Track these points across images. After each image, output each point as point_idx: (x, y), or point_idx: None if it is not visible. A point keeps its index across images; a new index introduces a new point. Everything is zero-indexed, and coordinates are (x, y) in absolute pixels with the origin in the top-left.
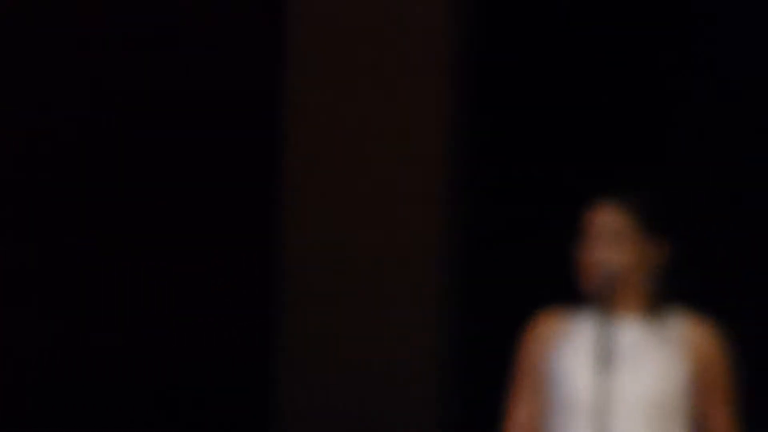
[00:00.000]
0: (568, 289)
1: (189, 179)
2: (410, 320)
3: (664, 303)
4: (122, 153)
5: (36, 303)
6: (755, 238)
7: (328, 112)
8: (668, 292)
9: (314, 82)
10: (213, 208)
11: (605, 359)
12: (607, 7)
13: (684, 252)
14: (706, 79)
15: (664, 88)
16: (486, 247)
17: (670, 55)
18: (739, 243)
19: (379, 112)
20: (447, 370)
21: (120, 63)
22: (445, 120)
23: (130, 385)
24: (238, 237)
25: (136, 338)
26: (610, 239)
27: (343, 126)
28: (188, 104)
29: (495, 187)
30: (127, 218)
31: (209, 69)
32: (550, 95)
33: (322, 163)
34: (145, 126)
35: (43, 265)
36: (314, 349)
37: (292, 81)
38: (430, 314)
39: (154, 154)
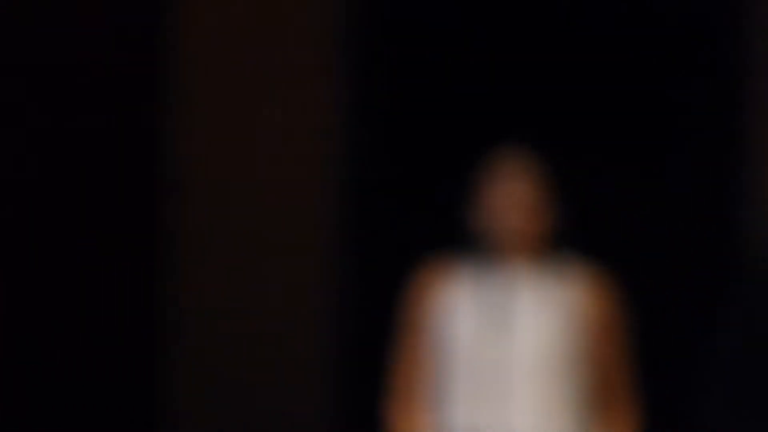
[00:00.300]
0: (452, 241)
1: (71, 160)
2: (300, 277)
3: (557, 253)
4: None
5: None
6: (647, 192)
7: (212, 99)
8: (561, 242)
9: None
10: (95, 190)
11: (499, 312)
12: None
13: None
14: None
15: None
16: (372, 203)
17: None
18: (630, 196)
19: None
20: (334, 334)
21: None
22: (331, 88)
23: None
24: (123, 224)
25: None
26: (520, 201)
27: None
28: (71, 91)
29: (378, 147)
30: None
31: (91, 52)
32: (435, 53)
33: (208, 141)
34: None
35: None
36: (201, 323)
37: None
38: (318, 274)
39: (31, 131)
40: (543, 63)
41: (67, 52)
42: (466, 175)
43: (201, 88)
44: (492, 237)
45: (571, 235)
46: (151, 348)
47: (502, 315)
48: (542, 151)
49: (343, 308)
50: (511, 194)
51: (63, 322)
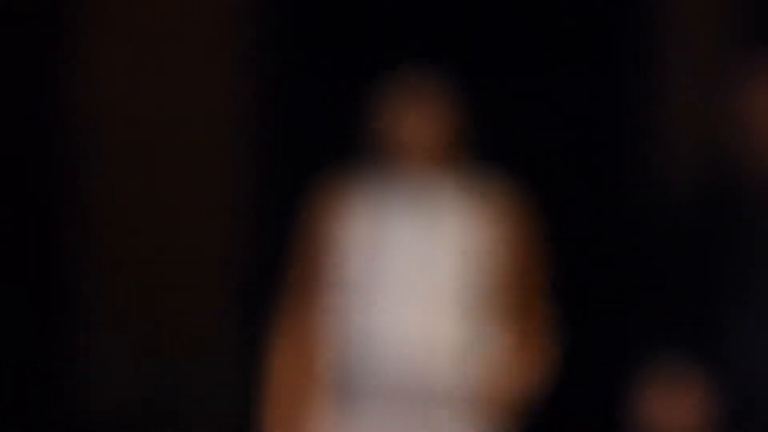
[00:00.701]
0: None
1: None
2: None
3: (466, 166)
4: None
5: None
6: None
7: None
8: (472, 156)
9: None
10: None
11: (416, 226)
12: None
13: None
14: None
15: None
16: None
17: None
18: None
19: None
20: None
21: None
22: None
23: None
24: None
25: None
26: (426, 116)
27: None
28: None
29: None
30: None
31: None
32: None
33: (117, 87)
34: None
35: None
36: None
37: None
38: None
39: None
40: None
41: None
42: (370, 90)
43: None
44: (398, 151)
45: (482, 149)
46: (63, 295)
47: (404, 228)
48: (450, 67)
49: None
50: (417, 109)
51: None
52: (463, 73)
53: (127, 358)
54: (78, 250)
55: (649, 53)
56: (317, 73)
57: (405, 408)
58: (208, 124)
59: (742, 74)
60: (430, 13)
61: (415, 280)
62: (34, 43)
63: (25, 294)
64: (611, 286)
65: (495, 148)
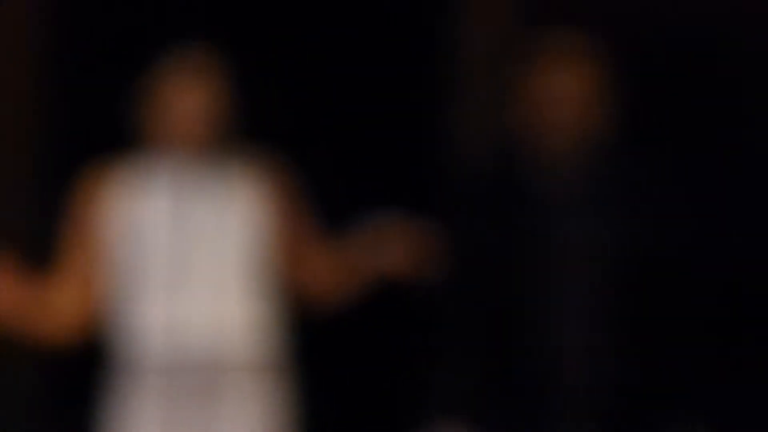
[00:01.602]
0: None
1: None
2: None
3: (232, 147)
4: None
5: None
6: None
7: None
8: (237, 136)
9: None
10: None
11: (175, 208)
12: None
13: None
14: None
15: None
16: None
17: None
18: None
19: None
20: None
21: None
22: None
23: None
24: None
25: None
26: (192, 97)
27: None
28: None
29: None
30: None
31: None
32: None
33: None
34: None
35: None
36: None
37: None
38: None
39: None
40: None
41: None
42: (138, 72)
43: None
44: (168, 134)
45: (249, 129)
46: None
47: (179, 211)
48: (220, 48)
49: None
50: (183, 90)
51: None
52: (233, 52)
53: None
54: None
55: (440, 29)
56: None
57: (190, 387)
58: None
59: (532, 52)
60: None
61: (195, 260)
62: None
63: None
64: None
65: (266, 126)
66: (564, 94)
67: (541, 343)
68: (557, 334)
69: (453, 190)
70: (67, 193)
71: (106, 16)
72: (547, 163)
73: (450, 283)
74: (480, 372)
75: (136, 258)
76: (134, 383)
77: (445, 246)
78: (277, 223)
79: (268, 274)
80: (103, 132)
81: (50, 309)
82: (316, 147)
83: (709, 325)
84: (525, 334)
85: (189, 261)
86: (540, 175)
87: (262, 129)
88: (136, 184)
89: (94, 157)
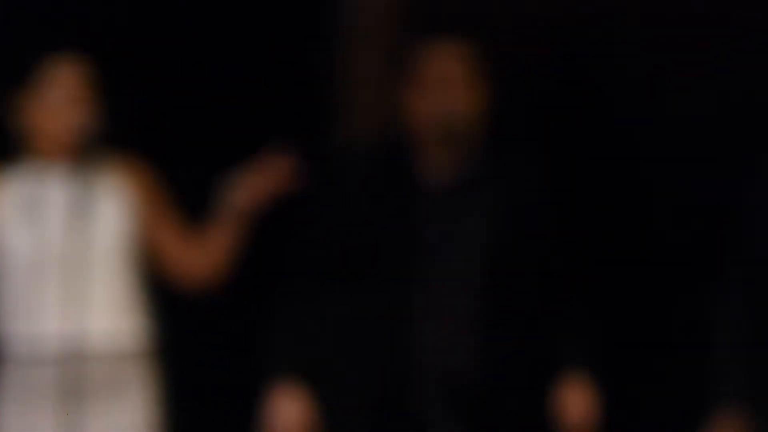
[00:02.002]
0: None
1: None
2: None
3: (92, 151)
4: None
5: None
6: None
7: None
8: (98, 139)
9: None
10: None
11: (37, 217)
12: None
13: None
14: None
15: None
16: None
17: None
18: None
19: None
20: None
21: None
22: None
23: None
24: None
25: None
26: (60, 103)
27: None
28: None
29: None
30: None
31: None
32: None
33: None
34: None
35: None
36: None
37: None
38: None
39: None
40: None
41: None
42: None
43: None
44: (36, 140)
45: (115, 133)
46: None
47: (45, 220)
48: (91, 53)
49: None
50: (56, 97)
51: None
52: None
53: None
54: None
55: (326, 27)
56: None
57: (51, 379)
58: None
59: (411, 52)
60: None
61: (58, 255)
62: None
63: None
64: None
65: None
66: (444, 84)
67: (397, 332)
68: (419, 326)
69: (332, 174)
70: None
71: None
72: (424, 153)
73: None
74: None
75: (3, 257)
76: None
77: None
78: (140, 215)
79: (134, 266)
80: None
81: None
82: (191, 150)
83: (565, 320)
84: (383, 320)
85: (51, 256)
86: (416, 164)
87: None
88: (8, 193)
89: None
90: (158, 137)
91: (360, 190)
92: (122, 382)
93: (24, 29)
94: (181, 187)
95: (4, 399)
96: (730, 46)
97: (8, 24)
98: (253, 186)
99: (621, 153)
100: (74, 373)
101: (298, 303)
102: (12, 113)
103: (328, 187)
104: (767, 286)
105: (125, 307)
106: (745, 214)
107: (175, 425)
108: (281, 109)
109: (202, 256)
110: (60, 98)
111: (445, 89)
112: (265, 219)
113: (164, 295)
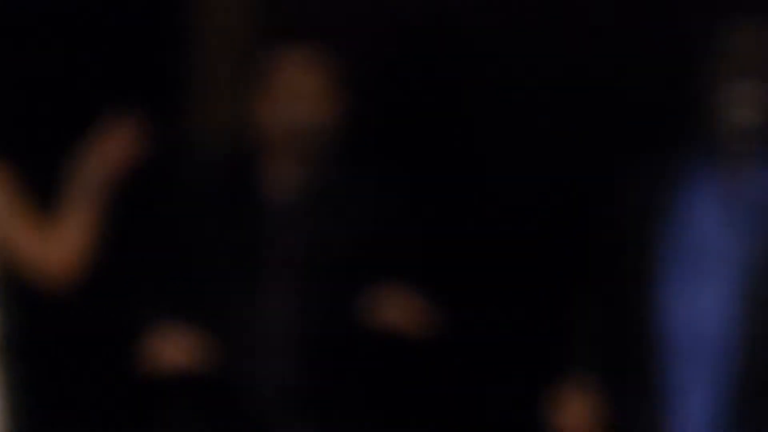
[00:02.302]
0: None
1: None
2: None
3: None
4: None
5: None
6: None
7: None
8: None
9: None
10: None
11: None
12: None
13: None
14: None
15: None
16: None
17: None
18: None
19: None
20: None
21: None
22: None
23: None
24: None
25: None
26: None
27: None
28: None
29: None
30: None
31: None
32: None
33: None
34: None
35: None
36: None
37: None
38: None
39: None
40: None
41: None
42: None
43: None
44: None
45: None
46: None
47: None
48: None
49: None
50: None
51: None
52: None
53: None
54: None
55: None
56: None
57: None
58: None
59: (262, 60)
60: None
61: None
62: None
63: None
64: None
65: None
66: (293, 95)
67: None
68: (250, 334)
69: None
70: None
71: None
72: (271, 162)
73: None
74: None
75: None
76: None
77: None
78: None
79: None
80: None
81: None
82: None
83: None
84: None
85: None
86: (262, 174)
87: None
88: None
89: None
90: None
91: (202, 198)
92: None
93: None
94: (27, 175)
95: None
96: (582, 47)
97: None
98: (100, 157)
99: (474, 152)
100: None
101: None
102: None
103: (177, 189)
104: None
105: None
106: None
107: (30, 420)
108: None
109: (59, 246)
110: None
111: (293, 100)
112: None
113: (19, 290)
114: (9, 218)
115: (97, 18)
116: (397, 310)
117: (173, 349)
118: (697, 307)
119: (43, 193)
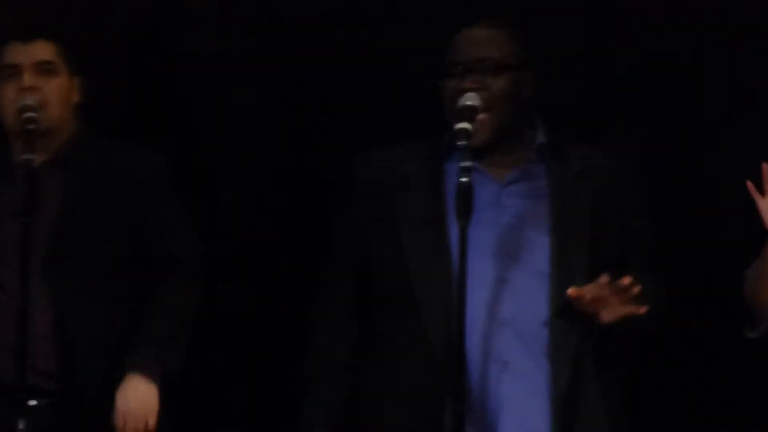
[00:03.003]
0: None
1: None
2: None
3: None
4: None
5: None
6: None
7: None
8: None
9: None
10: None
11: None
12: None
13: None
14: None
15: None
16: None
17: None
18: None
19: None
20: None
21: None
22: None
23: None
24: None
25: None
26: None
27: None
28: None
29: None
30: None
31: None
32: None
33: None
34: None
35: None
36: None
37: None
38: None
39: None
40: None
41: None
42: None
43: None
44: None
45: None
46: None
47: None
48: None
49: None
50: None
51: None
52: None
53: None
54: None
55: None
56: None
57: None
58: None
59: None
60: None
61: None
62: None
63: None
64: None
65: None
66: (18, 78)
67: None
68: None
69: None
70: None
71: None
72: (15, 144)
73: None
74: None
75: None
76: None
77: None
78: None
79: None
80: None
81: None
82: None
83: None
84: None
85: None
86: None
87: None
88: None
89: None
90: None
91: None
92: None
93: None
94: None
95: None
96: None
97: None
98: None
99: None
100: None
101: None
102: None
103: None
104: None
105: None
106: None
107: None
108: None
109: None
110: None
111: (19, 83)
112: None
113: None
114: None
115: None
116: None
117: None
118: None
119: None
